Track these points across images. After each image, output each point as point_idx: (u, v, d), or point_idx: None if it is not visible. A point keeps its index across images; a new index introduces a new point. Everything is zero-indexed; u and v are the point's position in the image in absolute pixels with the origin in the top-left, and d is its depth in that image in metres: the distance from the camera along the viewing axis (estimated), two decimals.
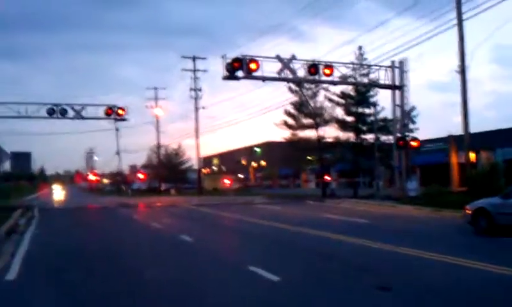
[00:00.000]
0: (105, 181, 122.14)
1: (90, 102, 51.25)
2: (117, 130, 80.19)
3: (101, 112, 40.09)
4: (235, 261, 11.82)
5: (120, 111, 40.27)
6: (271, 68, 31.44)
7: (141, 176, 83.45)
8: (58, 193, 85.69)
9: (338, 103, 45.10)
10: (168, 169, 78.10)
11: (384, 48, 52.10)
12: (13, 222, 20.40)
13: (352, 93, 44.06)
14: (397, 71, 34.52)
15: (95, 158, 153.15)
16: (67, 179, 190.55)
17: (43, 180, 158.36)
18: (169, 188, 71.87)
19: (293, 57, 32.15)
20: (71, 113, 38.85)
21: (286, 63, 31.69)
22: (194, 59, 59.65)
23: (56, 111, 37.99)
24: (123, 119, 42.11)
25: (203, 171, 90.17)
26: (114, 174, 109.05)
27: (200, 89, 59.92)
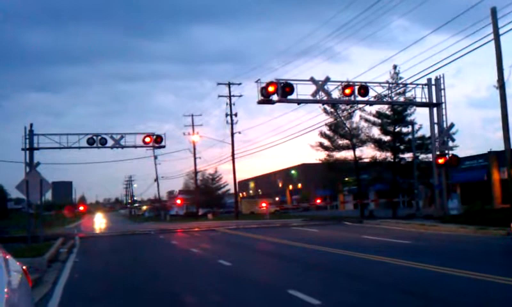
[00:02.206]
0: (144, 207, 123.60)
1: (128, 130, 52.41)
2: (155, 157, 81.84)
3: (139, 140, 40.83)
4: (273, 285, 11.68)
5: (158, 139, 40.96)
6: (305, 90, 31.57)
7: (178, 201, 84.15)
8: (98, 221, 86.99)
9: (374, 123, 44.71)
10: (205, 194, 78.59)
11: (420, 66, 51.49)
12: (54, 251, 20.74)
13: (388, 112, 43.62)
14: (433, 88, 34.10)
15: (134, 185, 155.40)
16: (107, 206, 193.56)
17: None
18: (206, 213, 72.21)
19: (327, 79, 32.12)
20: (110, 142, 39.65)
21: (320, 85, 31.68)
22: (229, 85, 60.21)
23: (96, 141, 38.86)
24: (161, 147, 42.77)
25: (240, 194, 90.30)
26: (153, 201, 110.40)
27: (235, 115, 60.36)
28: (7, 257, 2.42)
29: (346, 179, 53.13)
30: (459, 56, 29.03)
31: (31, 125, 37.63)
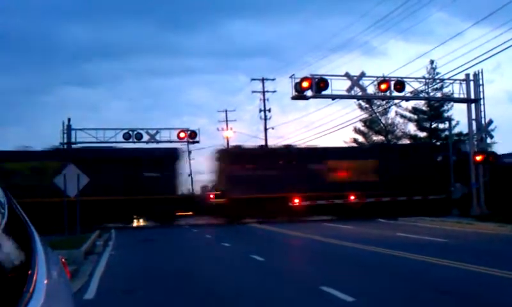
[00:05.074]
0: None
1: (163, 125, 53.01)
2: (189, 152, 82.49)
3: (174, 135, 41.34)
4: (306, 281, 11.65)
5: (192, 134, 41.43)
6: (340, 85, 31.29)
7: (211, 196, 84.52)
8: None
9: (410, 119, 44.18)
10: None
11: (459, 61, 50.52)
12: (91, 243, 21.12)
13: (424, 108, 43.02)
14: (472, 84, 33.40)
15: None
16: None
17: None
18: None
19: (362, 74, 31.80)
20: (146, 137, 40.28)
21: (355, 81, 31.37)
22: (263, 80, 60.17)
23: (132, 136, 39.54)
24: (195, 142, 43.19)
25: None
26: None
27: (269, 110, 60.32)
28: (47, 248, 2.46)
29: None
30: (499, 51, 28.30)
31: (69, 120, 38.46)
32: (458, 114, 48.28)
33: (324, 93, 30.46)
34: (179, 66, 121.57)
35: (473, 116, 33.56)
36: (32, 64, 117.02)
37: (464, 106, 34.61)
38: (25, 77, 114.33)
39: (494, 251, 17.06)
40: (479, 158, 32.35)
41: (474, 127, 33.64)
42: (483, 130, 33.32)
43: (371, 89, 33.04)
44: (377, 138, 46.24)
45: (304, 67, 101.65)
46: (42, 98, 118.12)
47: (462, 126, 40.22)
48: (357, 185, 36.72)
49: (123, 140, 39.41)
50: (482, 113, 33.38)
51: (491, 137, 34.28)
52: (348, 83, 31.28)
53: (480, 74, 33.36)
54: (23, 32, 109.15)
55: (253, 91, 60.39)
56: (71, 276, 9.69)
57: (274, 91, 61.52)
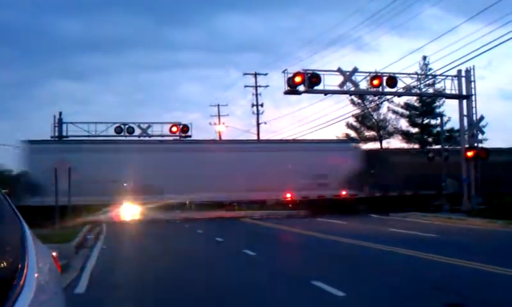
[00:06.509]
0: None
1: (155, 119, 52.96)
2: None
3: (166, 129, 41.27)
4: (297, 276, 11.68)
5: (184, 128, 41.39)
6: (332, 81, 31.35)
7: None
8: (126, 209, 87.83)
9: (402, 115, 44.35)
10: None
11: (451, 57, 50.49)
12: (82, 237, 21.06)
13: (416, 104, 43.20)
14: (463, 80, 33.54)
15: None
16: None
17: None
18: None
19: (355, 70, 31.84)
20: (137, 131, 40.19)
21: (348, 76, 31.41)
22: (255, 75, 60.10)
23: (124, 130, 39.43)
24: (187, 136, 43.14)
25: None
26: None
27: (261, 105, 60.29)
28: (37, 242, 2.45)
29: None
30: (492, 47, 28.37)
31: (60, 114, 38.29)
32: (450, 110, 48.59)
33: (316, 88, 30.51)
34: (171, 61, 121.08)
35: (465, 112, 33.74)
36: (23, 57, 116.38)
37: (456, 102, 34.79)
38: (15, 70, 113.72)
39: (485, 247, 17.16)
40: (470, 154, 32.53)
41: (466, 123, 33.80)
42: (474, 126, 33.49)
43: (363, 85, 33.19)
44: (369, 133, 46.39)
45: (296, 62, 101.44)
46: (32, 92, 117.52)
47: (453, 123, 40.45)
48: None
49: (114, 134, 39.30)
50: (474, 109, 33.57)
51: (483, 133, 34.48)
52: (340, 78, 31.34)
53: (472, 70, 33.54)
54: (13, 26, 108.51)
55: (246, 86, 60.36)
56: (62, 270, 9.66)
57: (267, 86, 61.53)
